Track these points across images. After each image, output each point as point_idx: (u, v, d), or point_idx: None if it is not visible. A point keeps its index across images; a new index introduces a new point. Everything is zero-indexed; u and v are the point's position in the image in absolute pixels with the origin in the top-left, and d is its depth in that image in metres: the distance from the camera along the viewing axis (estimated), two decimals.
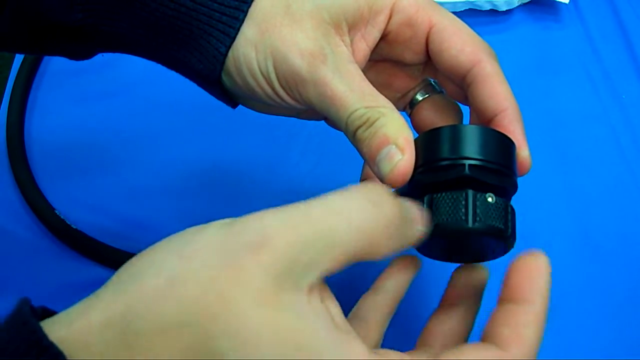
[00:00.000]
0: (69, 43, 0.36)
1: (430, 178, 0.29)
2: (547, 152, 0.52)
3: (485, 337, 0.26)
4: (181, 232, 0.25)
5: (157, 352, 0.22)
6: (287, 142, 0.53)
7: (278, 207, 0.24)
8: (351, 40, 0.32)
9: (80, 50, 0.37)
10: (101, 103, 0.57)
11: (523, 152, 0.31)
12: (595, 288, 0.45)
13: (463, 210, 0.28)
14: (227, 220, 0.25)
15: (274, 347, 0.22)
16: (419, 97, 0.37)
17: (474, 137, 0.29)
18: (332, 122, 0.32)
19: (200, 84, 0.35)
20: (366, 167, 0.39)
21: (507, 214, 0.29)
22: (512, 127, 0.31)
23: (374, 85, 0.31)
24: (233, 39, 0.32)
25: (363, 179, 0.38)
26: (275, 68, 0.31)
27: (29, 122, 0.55)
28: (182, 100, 0.57)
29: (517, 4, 0.60)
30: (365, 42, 0.33)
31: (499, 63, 0.33)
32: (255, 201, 0.50)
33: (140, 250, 0.25)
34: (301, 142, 0.53)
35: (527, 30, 0.59)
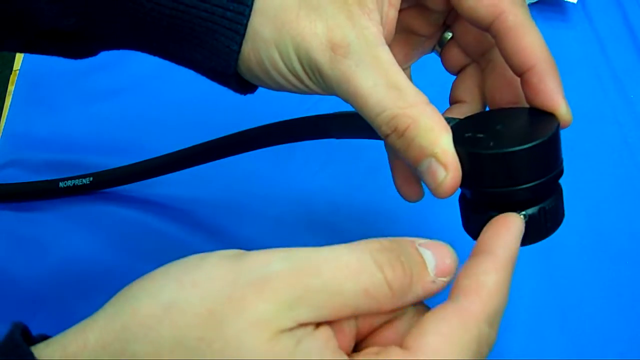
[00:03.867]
0: (67, 45, 0.35)
1: (482, 199, 0.29)
2: None
3: (449, 295, 0.25)
4: (182, 260, 0.24)
5: None
6: (293, 143, 0.53)
7: (286, 249, 0.24)
8: (379, 11, 0.30)
9: (81, 50, 0.36)
10: (107, 101, 0.57)
11: (560, 109, 0.29)
12: (606, 287, 0.45)
13: None
14: (230, 253, 0.24)
15: None
16: (448, 36, 0.35)
17: (527, 161, 0.27)
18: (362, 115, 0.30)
19: (211, 79, 0.34)
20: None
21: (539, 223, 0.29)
22: (543, 85, 0.29)
23: (398, 31, 0.29)
24: (243, 35, 0.30)
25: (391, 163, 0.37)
26: (301, 65, 0.30)
27: (35, 121, 0.56)
28: (189, 99, 0.57)
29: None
30: (393, 7, 0.31)
31: (528, 11, 0.30)
32: (259, 202, 0.50)
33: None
34: (307, 143, 0.53)
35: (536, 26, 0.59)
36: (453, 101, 0.35)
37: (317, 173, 0.52)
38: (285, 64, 0.30)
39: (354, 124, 0.36)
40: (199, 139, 0.52)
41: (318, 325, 0.23)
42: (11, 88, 0.60)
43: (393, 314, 0.25)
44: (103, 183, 0.49)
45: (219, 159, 0.44)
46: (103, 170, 0.49)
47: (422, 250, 0.25)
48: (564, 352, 0.42)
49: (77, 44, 0.35)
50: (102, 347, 0.22)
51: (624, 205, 0.49)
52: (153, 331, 0.22)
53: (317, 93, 0.31)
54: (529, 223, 0.28)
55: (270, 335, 0.22)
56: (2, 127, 0.57)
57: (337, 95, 0.30)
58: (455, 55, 0.35)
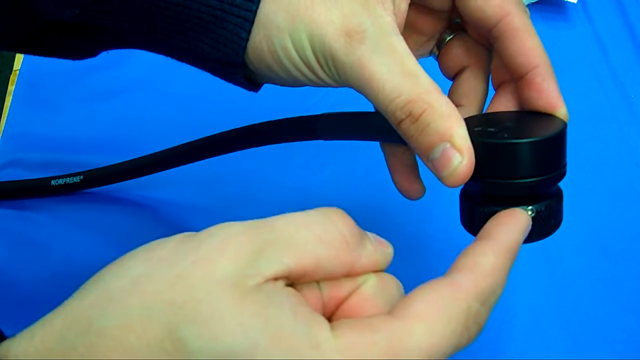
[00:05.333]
0: (68, 40, 0.35)
1: (489, 190, 0.29)
2: None
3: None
4: (145, 245, 0.24)
5: (123, 348, 0.21)
6: (294, 143, 0.53)
7: (245, 221, 0.24)
8: (392, 2, 0.30)
9: (82, 48, 0.36)
10: (107, 101, 0.57)
11: (560, 110, 0.30)
12: (606, 287, 0.45)
13: None
14: (190, 233, 0.24)
15: (239, 329, 0.21)
16: (447, 37, 0.35)
17: (537, 154, 0.28)
18: (373, 104, 0.30)
19: (216, 73, 0.33)
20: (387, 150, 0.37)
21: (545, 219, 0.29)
22: (546, 84, 0.30)
23: (400, 28, 0.29)
24: (252, 22, 0.30)
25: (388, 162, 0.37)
26: (314, 53, 0.30)
27: (35, 121, 0.56)
28: (189, 99, 0.57)
29: (525, 4, 0.60)
30: (405, 0, 0.31)
31: (529, 16, 0.31)
32: (262, 202, 0.50)
33: None
34: (307, 144, 0.53)
35: (535, 30, 0.59)
36: None
37: (316, 174, 0.52)
38: (298, 53, 0.30)
39: (340, 124, 0.36)
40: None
41: (287, 285, 0.23)
42: (11, 88, 0.60)
43: (355, 283, 0.25)
44: (93, 181, 0.50)
45: (205, 158, 0.44)
46: (93, 169, 0.49)
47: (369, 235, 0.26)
48: (564, 352, 0.42)
49: (78, 39, 0.35)
50: (68, 327, 0.22)
51: (624, 205, 0.49)
52: (120, 303, 0.22)
53: (326, 84, 0.31)
54: (536, 218, 0.28)
55: (239, 294, 0.22)
56: (2, 127, 0.57)
57: (348, 83, 0.30)
58: (454, 57, 0.35)
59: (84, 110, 0.56)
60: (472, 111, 0.34)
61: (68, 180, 0.49)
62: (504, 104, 0.32)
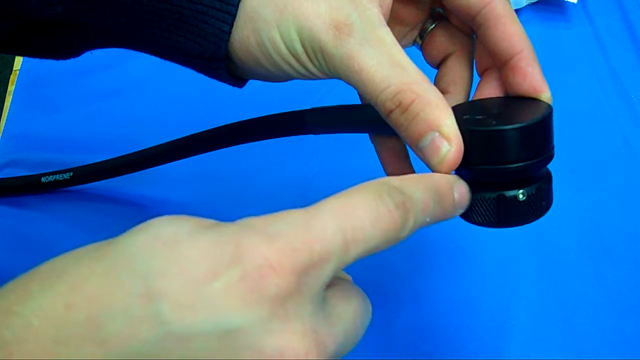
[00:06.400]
0: (50, 40, 0.34)
1: (477, 176, 0.29)
2: (556, 152, 0.52)
3: None
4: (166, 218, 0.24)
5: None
6: (296, 140, 0.53)
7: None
8: None
9: (64, 47, 0.36)
10: (107, 101, 0.57)
11: (545, 94, 0.30)
12: (606, 287, 0.45)
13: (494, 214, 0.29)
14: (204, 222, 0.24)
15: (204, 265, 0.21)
16: (429, 26, 0.35)
17: (525, 139, 0.28)
18: (363, 95, 0.31)
19: (200, 69, 0.33)
20: (379, 145, 0.37)
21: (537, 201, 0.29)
22: (530, 68, 0.30)
23: (386, 20, 0.30)
24: (234, 16, 0.30)
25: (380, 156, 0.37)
26: (303, 46, 0.30)
27: (35, 121, 0.56)
28: (189, 99, 0.57)
29: (525, 4, 0.60)
30: None
31: (510, 3, 0.32)
32: (263, 200, 0.50)
33: None
34: (310, 140, 0.53)
35: (535, 30, 0.59)
36: None
37: (316, 174, 0.52)
38: (286, 45, 0.30)
39: (330, 117, 0.36)
40: None
41: None
42: (11, 88, 0.60)
43: None
44: (83, 177, 0.50)
45: (195, 154, 0.44)
46: (82, 165, 0.49)
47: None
48: (564, 352, 0.42)
49: (61, 37, 0.34)
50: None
51: (624, 205, 0.49)
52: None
53: (315, 77, 0.32)
54: (527, 201, 0.29)
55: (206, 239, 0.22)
56: (2, 127, 0.57)
57: (337, 75, 0.30)
58: (438, 45, 0.35)
59: (84, 110, 0.56)
60: (459, 98, 0.34)
61: (58, 177, 0.50)
62: (490, 90, 0.33)
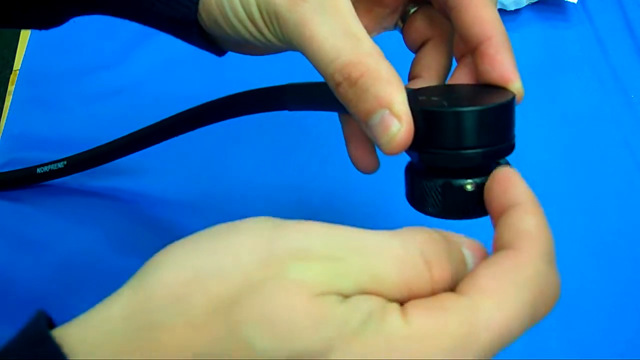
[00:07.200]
0: (34, 9, 0.34)
1: (430, 161, 0.28)
2: (556, 152, 0.52)
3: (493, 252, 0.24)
4: (211, 228, 0.23)
5: (185, 345, 0.21)
6: (296, 139, 0.53)
7: (321, 223, 0.23)
8: None
9: (46, 16, 0.35)
10: (107, 101, 0.57)
11: (514, 84, 0.28)
12: (606, 287, 0.45)
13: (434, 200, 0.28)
14: (263, 219, 0.23)
15: (312, 329, 0.20)
16: (411, 10, 0.34)
17: (477, 124, 0.26)
18: (314, 65, 0.29)
19: (174, 33, 0.33)
20: (347, 125, 0.36)
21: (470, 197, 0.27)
22: (500, 56, 0.29)
23: (362, 2, 0.29)
24: None
25: (346, 136, 0.36)
26: (259, 9, 0.29)
27: (35, 121, 0.56)
28: (189, 99, 0.57)
29: (525, 4, 0.59)
30: None
31: None
32: (263, 199, 0.50)
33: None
34: (310, 139, 0.53)
35: (535, 30, 0.59)
36: (412, 77, 0.34)
37: (317, 174, 0.52)
38: (244, 9, 0.30)
39: (306, 93, 0.35)
40: (200, 139, 0.52)
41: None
42: (11, 88, 0.60)
43: None
44: (77, 165, 0.50)
45: (180, 133, 0.44)
46: (76, 154, 0.49)
47: (464, 250, 0.24)
48: (564, 352, 0.42)
49: (40, 7, 0.34)
50: (125, 318, 0.21)
51: (624, 206, 0.49)
52: (183, 301, 0.21)
53: (272, 45, 0.31)
54: (477, 193, 0.27)
55: (310, 296, 0.20)
56: (2, 127, 0.57)
57: (291, 43, 0.29)
58: (418, 29, 0.34)
59: (84, 110, 0.56)
60: (432, 83, 0.33)
61: (52, 167, 0.50)
62: (463, 76, 0.31)
